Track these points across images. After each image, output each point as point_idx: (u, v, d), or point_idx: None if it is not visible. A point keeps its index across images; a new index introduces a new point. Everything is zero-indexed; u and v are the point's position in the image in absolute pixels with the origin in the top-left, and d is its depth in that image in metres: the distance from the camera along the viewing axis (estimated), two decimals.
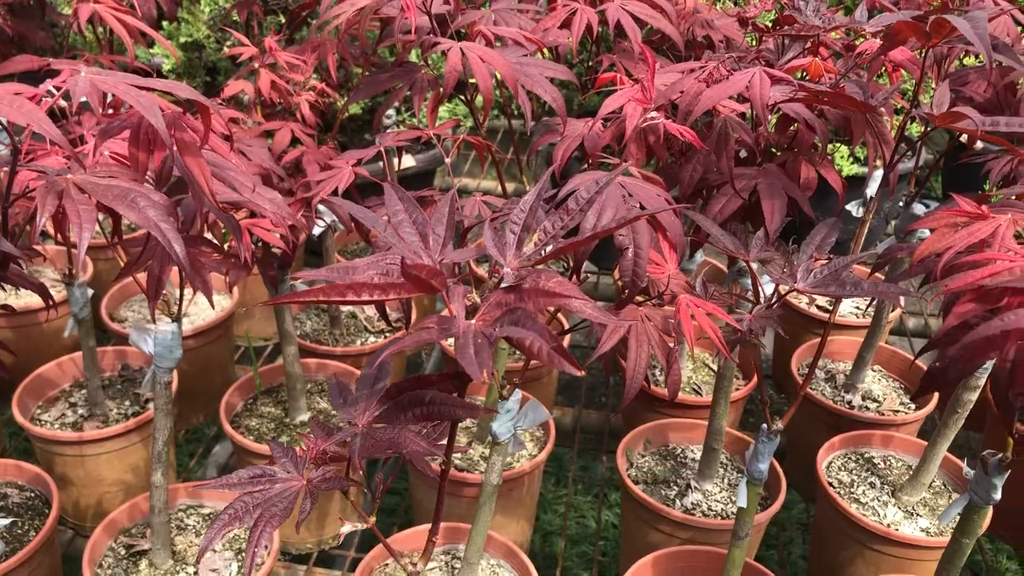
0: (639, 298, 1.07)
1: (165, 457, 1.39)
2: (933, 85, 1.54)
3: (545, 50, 1.64)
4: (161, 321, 1.32)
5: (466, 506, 1.67)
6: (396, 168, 2.05)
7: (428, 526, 1.61)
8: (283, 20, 2.38)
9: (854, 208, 2.15)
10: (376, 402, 0.88)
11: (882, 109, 1.17)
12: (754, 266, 1.16)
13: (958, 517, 1.26)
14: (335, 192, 1.30)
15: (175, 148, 0.86)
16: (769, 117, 1.23)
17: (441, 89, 1.33)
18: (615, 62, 1.60)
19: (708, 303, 0.99)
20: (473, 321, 0.76)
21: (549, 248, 0.81)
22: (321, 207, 1.78)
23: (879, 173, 2.14)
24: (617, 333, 1.02)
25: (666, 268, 1.02)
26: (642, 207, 1.01)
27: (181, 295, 1.28)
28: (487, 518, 1.37)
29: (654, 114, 1.11)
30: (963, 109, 1.04)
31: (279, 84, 1.47)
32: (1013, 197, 1.16)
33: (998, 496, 1.18)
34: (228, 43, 2.47)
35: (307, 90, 1.51)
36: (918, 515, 1.67)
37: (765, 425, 1.25)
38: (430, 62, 1.44)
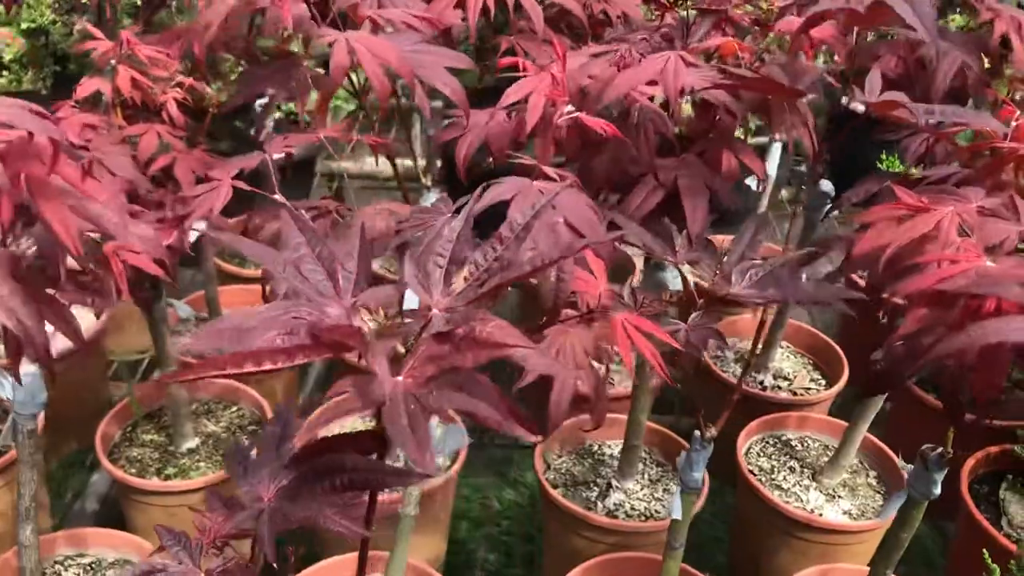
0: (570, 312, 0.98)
1: (34, 513, 1.22)
2: (835, 57, 1.49)
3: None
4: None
5: (379, 527, 1.55)
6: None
7: (337, 559, 1.50)
8: (139, 2, 2.17)
9: (753, 182, 2.10)
10: (284, 468, 0.76)
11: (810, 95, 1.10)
12: (684, 268, 1.08)
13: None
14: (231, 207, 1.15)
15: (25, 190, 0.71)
16: (682, 103, 1.15)
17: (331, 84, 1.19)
18: (513, 44, 1.49)
19: (645, 321, 0.90)
20: (401, 378, 0.64)
21: (484, 285, 0.70)
22: None
23: (777, 147, 2.11)
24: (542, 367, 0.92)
25: (597, 285, 0.92)
26: (568, 224, 0.91)
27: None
28: (405, 550, 1.27)
29: (571, 107, 1.00)
30: (897, 96, 0.98)
31: (141, 82, 1.30)
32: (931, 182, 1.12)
33: (938, 490, 1.15)
34: (78, 28, 2.24)
35: (174, 87, 1.35)
36: (839, 497, 1.64)
37: (698, 432, 1.18)
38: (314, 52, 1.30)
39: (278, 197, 1.08)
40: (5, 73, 2.31)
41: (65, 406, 1.83)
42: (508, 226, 0.72)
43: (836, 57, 1.35)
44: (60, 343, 1.87)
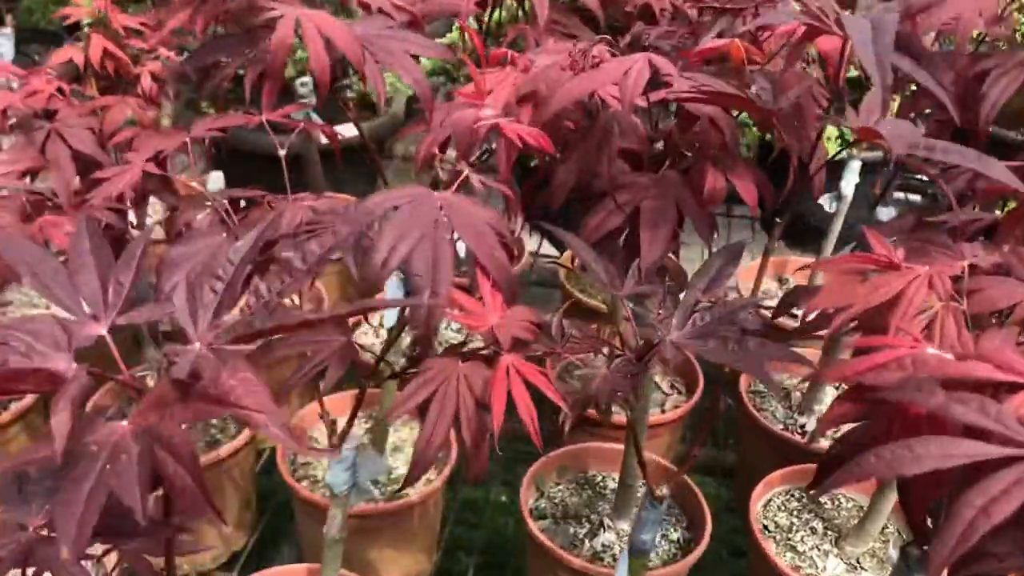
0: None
1: None
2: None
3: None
4: None
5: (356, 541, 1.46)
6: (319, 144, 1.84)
7: (303, 566, 1.42)
8: None
9: (826, 202, 1.92)
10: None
11: (811, 119, 0.94)
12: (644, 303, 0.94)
13: None
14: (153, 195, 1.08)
15: None
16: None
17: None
18: (523, 32, 1.37)
19: (531, 367, 0.77)
20: (124, 422, 0.55)
21: (257, 324, 0.59)
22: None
23: (856, 164, 1.89)
24: (424, 390, 0.80)
25: (486, 318, 0.79)
26: (455, 236, 0.78)
27: None
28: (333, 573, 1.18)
29: (489, 111, 0.88)
30: (883, 125, 0.81)
31: (115, 53, 1.25)
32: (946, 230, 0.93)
33: None
34: None
35: (154, 59, 1.29)
36: (863, 568, 1.45)
37: (648, 488, 1.04)
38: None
39: (182, 178, 1.00)
40: None
41: None
42: (300, 254, 0.60)
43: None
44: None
